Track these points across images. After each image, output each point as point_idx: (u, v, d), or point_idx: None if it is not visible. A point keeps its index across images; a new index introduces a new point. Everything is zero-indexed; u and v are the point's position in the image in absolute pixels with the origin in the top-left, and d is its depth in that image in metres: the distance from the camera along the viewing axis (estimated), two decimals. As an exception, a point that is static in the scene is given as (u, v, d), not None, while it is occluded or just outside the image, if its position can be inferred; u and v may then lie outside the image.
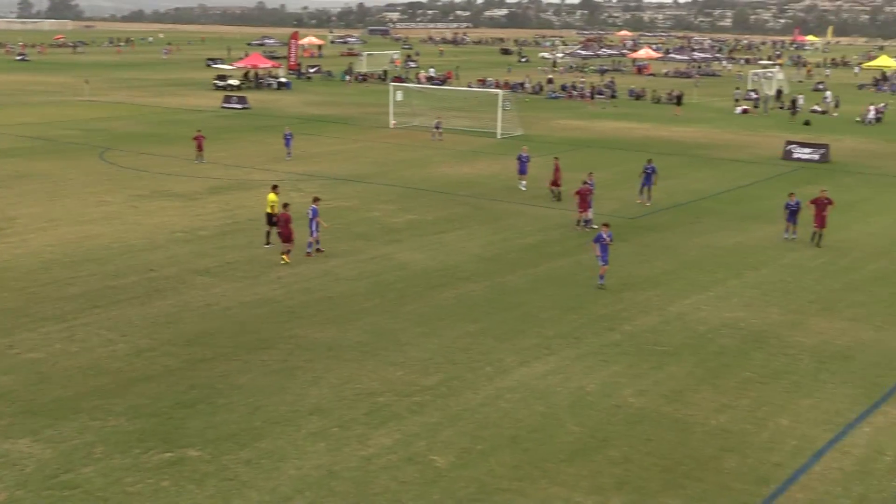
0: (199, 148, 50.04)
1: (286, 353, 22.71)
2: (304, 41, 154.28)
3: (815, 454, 18.04)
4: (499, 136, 62.43)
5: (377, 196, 41.71)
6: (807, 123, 72.82)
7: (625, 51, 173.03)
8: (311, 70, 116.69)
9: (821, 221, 33.85)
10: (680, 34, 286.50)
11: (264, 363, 22.01)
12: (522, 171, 43.56)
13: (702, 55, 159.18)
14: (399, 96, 70.67)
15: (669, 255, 32.50)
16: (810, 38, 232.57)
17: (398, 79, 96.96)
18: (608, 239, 28.24)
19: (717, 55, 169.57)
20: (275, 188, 33.13)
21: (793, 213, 34.39)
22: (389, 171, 48.79)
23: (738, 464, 17.61)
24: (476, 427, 18.91)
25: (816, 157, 54.72)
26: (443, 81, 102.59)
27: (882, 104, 78.81)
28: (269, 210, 32.34)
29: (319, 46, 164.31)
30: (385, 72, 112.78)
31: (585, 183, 36.65)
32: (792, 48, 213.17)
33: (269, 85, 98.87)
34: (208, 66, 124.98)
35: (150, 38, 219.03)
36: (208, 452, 17.52)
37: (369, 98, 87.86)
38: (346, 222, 36.16)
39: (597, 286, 28.40)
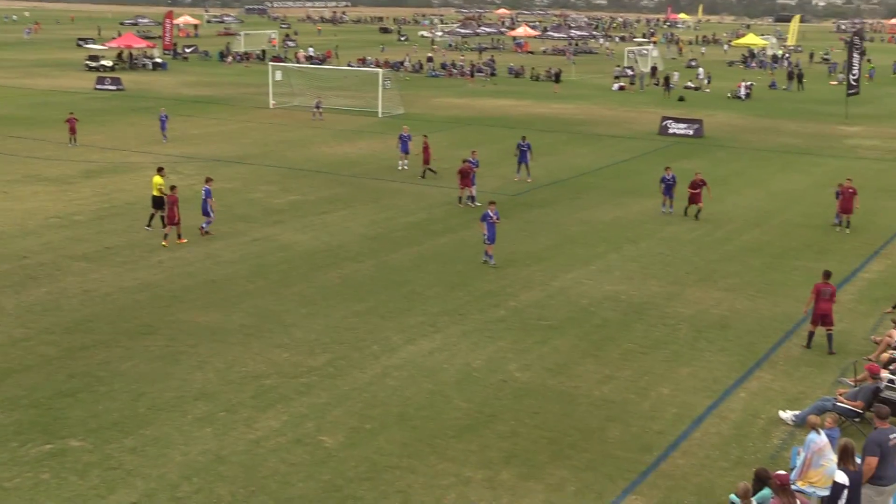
0: (73, 131, 48.58)
1: (169, 338, 22.32)
2: (180, 20, 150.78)
3: (695, 421, 18.59)
4: (380, 115, 62.28)
5: (258, 177, 41.20)
6: (681, 99, 74.56)
7: (503, 29, 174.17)
8: (188, 50, 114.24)
9: (695, 199, 34.80)
10: (557, 12, 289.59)
11: (147, 349, 21.59)
12: (404, 151, 43.54)
13: (579, 33, 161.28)
14: (278, 76, 69.80)
15: (551, 231, 32.96)
16: (682, 16, 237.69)
17: (277, 58, 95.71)
18: (495, 217, 28.46)
19: (594, 33, 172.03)
20: (160, 170, 32.45)
21: (668, 187, 35.18)
22: (270, 151, 48.24)
23: (622, 433, 18.03)
24: (364, 406, 18.93)
25: (691, 132, 56.11)
26: (322, 61, 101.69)
27: (749, 82, 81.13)
28: (155, 193, 31.70)
29: (195, 26, 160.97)
30: (263, 51, 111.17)
31: (467, 161, 36.88)
32: (665, 26, 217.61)
33: (145, 65, 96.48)
34: (79, 46, 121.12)
35: (14, 17, 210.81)
36: (91, 442, 17.13)
37: (248, 78, 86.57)
38: (227, 204, 35.61)
39: (483, 263, 28.61)
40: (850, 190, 33.21)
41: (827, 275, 22.76)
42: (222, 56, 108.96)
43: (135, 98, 70.63)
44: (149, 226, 31.77)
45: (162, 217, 30.71)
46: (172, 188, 30.68)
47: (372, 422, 18.26)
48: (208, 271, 27.65)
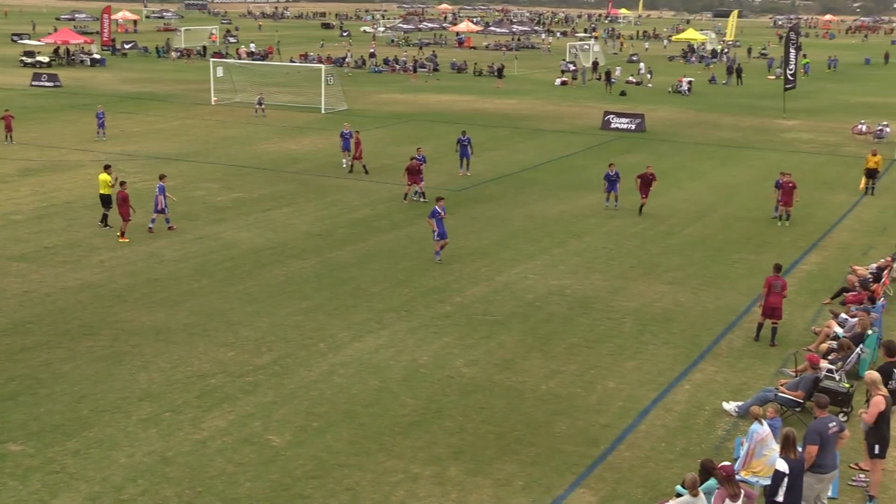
0: (8, 128, 47.78)
1: (112, 338, 22.04)
2: (118, 16, 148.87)
3: (641, 413, 18.77)
4: (323, 112, 62.00)
5: (201, 175, 40.82)
6: (623, 94, 75.15)
7: (446, 24, 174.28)
8: (127, 46, 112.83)
9: (647, 194, 34.90)
10: (499, 7, 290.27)
11: (89, 350, 21.30)
12: (345, 148, 43.24)
13: (521, 28, 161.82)
14: (220, 72, 69.22)
15: (496, 226, 33.06)
16: (623, 11, 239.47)
17: (218, 54, 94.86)
18: (443, 213, 28.50)
19: (536, 28, 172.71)
20: (107, 168, 32.14)
21: (612, 183, 35.42)
22: (212, 148, 47.81)
23: (569, 427, 18.15)
24: (311, 404, 18.85)
25: (633, 126, 56.60)
26: (264, 57, 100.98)
27: (689, 78, 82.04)
28: (103, 191, 31.42)
29: (135, 21, 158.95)
30: (204, 47, 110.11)
31: (414, 158, 36.84)
32: (606, 21, 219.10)
33: (83, 62, 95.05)
34: (13, 41, 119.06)
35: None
36: (32, 446, 16.86)
37: (189, 74, 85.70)
38: (169, 202, 35.19)
39: (434, 261, 28.57)
40: (790, 184, 33.69)
41: (777, 268, 23.11)
42: (163, 52, 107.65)
43: (72, 95, 69.59)
44: (106, 225, 31.61)
45: (119, 213, 30.74)
46: (122, 184, 30.48)
47: (319, 420, 18.20)
48: (151, 270, 27.35)
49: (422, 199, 36.12)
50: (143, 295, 25.18)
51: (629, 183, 35.48)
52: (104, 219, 31.55)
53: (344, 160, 43.21)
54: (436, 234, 28.46)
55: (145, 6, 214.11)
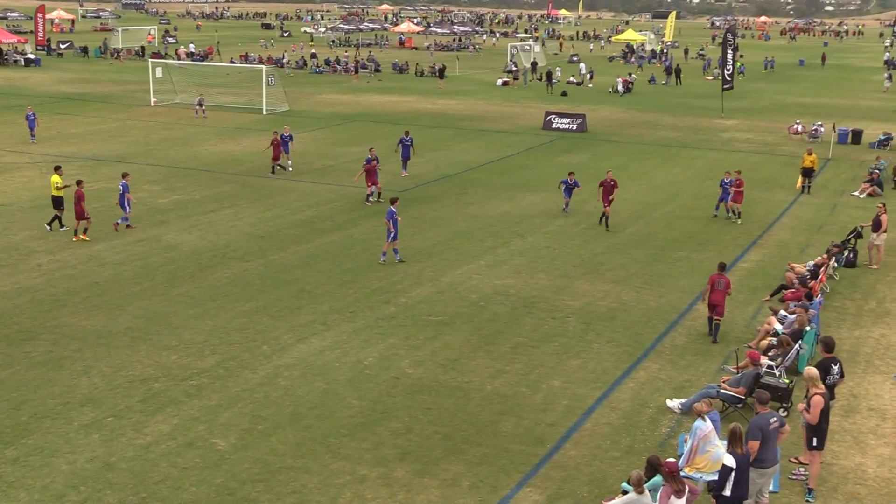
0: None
1: (51, 343, 21.70)
2: (53, 15, 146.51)
3: (586, 412, 18.90)
4: (264, 113, 61.55)
5: (141, 176, 40.28)
6: (564, 94, 75.57)
7: (387, 25, 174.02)
8: (63, 46, 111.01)
9: (609, 203, 33.27)
10: (440, 7, 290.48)
11: (28, 355, 20.93)
12: (285, 151, 42.78)
13: (462, 29, 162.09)
14: (159, 73, 68.38)
15: (440, 227, 33.10)
16: (563, 12, 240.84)
17: (157, 55, 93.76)
18: (396, 214, 28.48)
19: (477, 28, 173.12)
20: (57, 169, 31.81)
21: (569, 190, 34.88)
22: (152, 150, 47.25)
23: (515, 426, 18.22)
24: (256, 407, 18.73)
25: (574, 126, 56.92)
26: (204, 57, 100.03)
27: (632, 76, 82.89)
28: (54, 193, 31.13)
29: (72, 21, 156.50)
30: (143, 48, 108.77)
31: (368, 160, 36.57)
32: (547, 22, 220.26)
33: (16, 62, 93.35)
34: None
35: None
36: (-29, 453, 16.56)
37: (127, 75, 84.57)
38: (109, 204, 34.75)
39: (380, 262, 28.49)
40: (738, 182, 34.32)
41: (721, 267, 23.53)
42: (101, 52, 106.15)
43: (6, 96, 68.30)
44: (62, 226, 31.29)
45: (59, 217, 30.86)
46: (79, 182, 30.41)
47: (264, 422, 18.08)
48: (92, 273, 26.97)
49: (379, 200, 35.99)
50: (83, 299, 24.82)
51: (590, 189, 35.36)
52: (55, 220, 31.21)
53: (287, 163, 42.75)
54: (391, 235, 28.37)
55: (81, 5, 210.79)
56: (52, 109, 58.26)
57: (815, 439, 15.84)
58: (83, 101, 65.84)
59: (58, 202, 31.07)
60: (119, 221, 31.52)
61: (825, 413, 15.68)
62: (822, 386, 15.99)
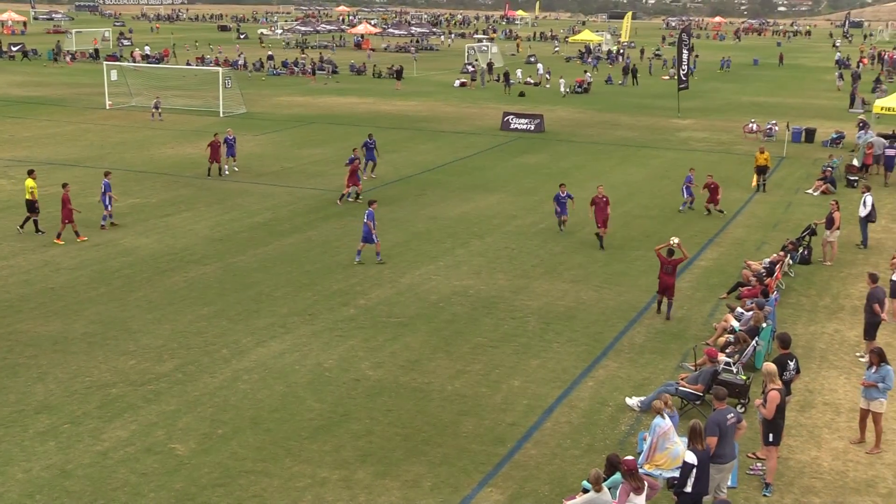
0: None
1: (6, 350, 21.43)
2: (4, 17, 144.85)
3: (546, 411, 18.98)
4: (221, 115, 61.16)
5: (97, 180, 39.76)
6: (521, 95, 75.79)
7: (344, 26, 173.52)
8: (14, 48, 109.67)
9: (604, 222, 31.43)
10: (397, 9, 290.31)
11: (-18, 362, 20.68)
12: (231, 154, 42.42)
13: (419, 30, 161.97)
14: (114, 76, 67.75)
15: (398, 228, 33.08)
16: (520, 12, 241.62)
17: (112, 57, 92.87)
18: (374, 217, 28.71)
19: (434, 29, 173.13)
20: (31, 173, 31.73)
21: (563, 205, 33.30)
22: (108, 153, 46.80)
23: (476, 426, 18.26)
24: (216, 411, 18.62)
25: (532, 127, 57.10)
26: (159, 60, 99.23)
27: (586, 73, 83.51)
28: (28, 196, 31.04)
29: (24, 23, 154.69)
30: (96, 50, 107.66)
31: (354, 160, 36.99)
32: (504, 22, 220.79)
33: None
34: None
35: None
36: (-76, 462, 16.32)
37: (81, 78, 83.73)
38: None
39: (355, 261, 28.54)
40: (713, 184, 35.46)
41: (670, 252, 24.39)
42: (54, 55, 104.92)
43: (-40, 100, 67.40)
44: (37, 230, 31.32)
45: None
46: (65, 185, 30.63)
47: (224, 427, 17.98)
48: (47, 279, 26.67)
49: (357, 200, 36.29)
50: (38, 304, 24.54)
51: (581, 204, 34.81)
52: (28, 221, 31.36)
53: (227, 166, 42.45)
54: (373, 236, 28.57)
55: (33, 7, 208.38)
56: (3, 113, 57.53)
57: (771, 434, 16.03)
58: (36, 105, 65.07)
59: (31, 206, 31.05)
60: (103, 222, 32.19)
61: (781, 409, 15.87)
62: (779, 382, 16.18)
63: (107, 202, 32.07)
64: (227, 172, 42.10)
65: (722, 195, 36.40)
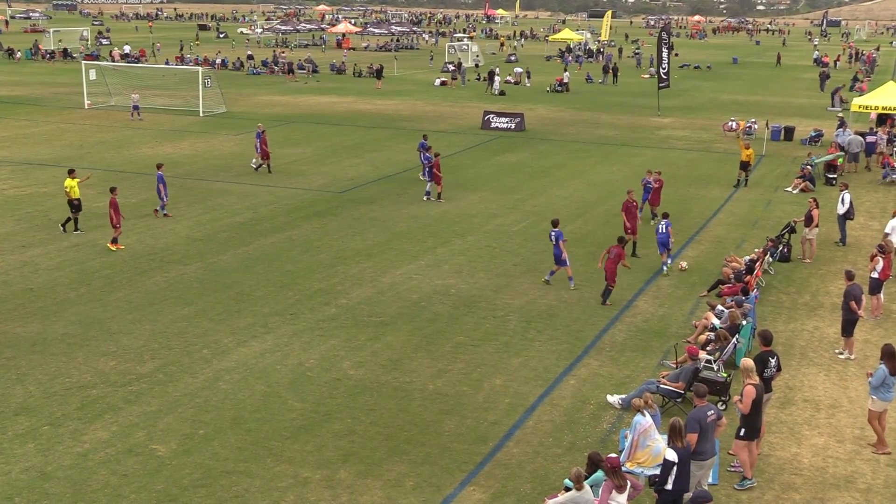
0: None
1: (-15, 351, 21.32)
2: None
3: (528, 409, 19.01)
4: (201, 115, 60.97)
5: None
6: (502, 94, 75.83)
7: (324, 25, 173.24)
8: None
9: (634, 228, 30.24)
10: (377, 8, 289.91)
11: (-39, 364, 20.54)
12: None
13: (400, 29, 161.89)
14: (92, 75, 67.39)
15: (379, 227, 33.05)
16: (501, 11, 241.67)
17: (90, 56, 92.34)
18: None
19: (415, 29, 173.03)
20: (71, 172, 31.72)
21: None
22: (87, 153, 46.55)
23: (458, 425, 18.27)
24: (197, 412, 18.56)
25: (512, 125, 57.15)
26: (138, 59, 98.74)
27: (565, 71, 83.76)
28: (69, 196, 31.23)
29: (6, 22, 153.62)
30: (65, 49, 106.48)
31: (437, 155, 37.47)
32: (484, 21, 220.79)
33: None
34: None
35: None
36: None
37: (59, 77, 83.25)
38: (42, 209, 34.28)
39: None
40: (658, 182, 34.55)
41: (620, 240, 25.80)
42: (32, 54, 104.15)
43: (-63, 100, 66.91)
44: (76, 229, 31.56)
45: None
46: (112, 190, 30.37)
47: (205, 427, 17.93)
48: (25, 280, 26.52)
49: (440, 200, 37.28)
50: (16, 305, 24.40)
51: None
52: (70, 221, 31.52)
53: (254, 160, 43.08)
54: (564, 257, 26.83)
55: (9, 6, 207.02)
56: (-18, 113, 57.16)
57: (742, 429, 16.08)
58: (13, 104, 64.63)
59: (73, 205, 31.33)
60: (157, 209, 33.71)
61: (756, 404, 15.91)
62: (756, 377, 16.24)
63: (162, 193, 33.31)
64: (253, 166, 42.64)
65: (696, 194, 36.44)
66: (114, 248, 29.47)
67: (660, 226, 28.55)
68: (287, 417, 18.44)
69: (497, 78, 77.44)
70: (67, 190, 31.24)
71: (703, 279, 27.73)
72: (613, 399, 19.33)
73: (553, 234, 26.75)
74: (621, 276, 27.69)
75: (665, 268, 28.56)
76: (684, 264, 28.36)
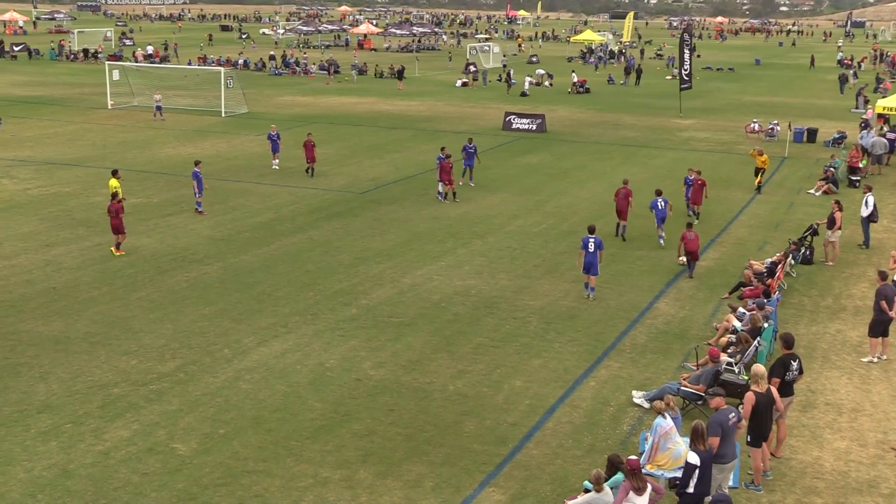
0: None
1: (8, 349, 21.44)
2: (6, 17, 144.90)
3: (548, 411, 18.97)
4: (223, 115, 61.20)
5: (99, 180, 39.88)
6: (524, 94, 75.77)
7: (346, 26, 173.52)
8: (17, 48, 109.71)
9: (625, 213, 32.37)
10: (399, 9, 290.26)
11: (-16, 362, 20.69)
12: (275, 150, 43.19)
13: (421, 30, 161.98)
14: (116, 75, 67.78)
15: (400, 228, 33.07)
16: (522, 12, 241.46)
17: (114, 57, 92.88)
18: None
19: (437, 29, 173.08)
20: (115, 173, 31.94)
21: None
22: (110, 153, 46.81)
23: (477, 426, 18.25)
24: (217, 411, 18.62)
25: (534, 127, 57.08)
26: (161, 59, 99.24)
27: (573, 73, 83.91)
28: (114, 196, 30.99)
29: (34, 23, 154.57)
30: (86, 50, 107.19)
31: (444, 159, 37.32)
32: (506, 22, 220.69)
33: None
34: None
35: None
36: (-74, 462, 16.33)
37: (83, 78, 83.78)
38: (66, 209, 34.49)
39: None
40: (699, 181, 34.55)
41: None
42: (56, 55, 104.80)
43: (-38, 99, 67.45)
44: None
45: (111, 225, 30.56)
46: (119, 197, 30.13)
47: (226, 426, 17.98)
48: (49, 278, 26.69)
49: (455, 201, 37.17)
50: (40, 304, 24.55)
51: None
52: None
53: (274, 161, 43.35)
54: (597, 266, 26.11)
55: (35, 7, 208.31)
56: (6, 113, 57.53)
57: (749, 436, 16.00)
58: (38, 105, 65.10)
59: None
60: (197, 206, 34.43)
61: (759, 413, 15.76)
62: (764, 384, 16.00)
63: (196, 190, 33.97)
64: (274, 167, 42.97)
65: (718, 196, 36.29)
66: (118, 253, 29.41)
67: (658, 202, 31.66)
68: (307, 417, 18.47)
69: (513, 81, 77.53)
70: (116, 191, 30.99)
71: (724, 281, 27.60)
72: (638, 396, 19.28)
73: (593, 241, 25.60)
74: (641, 277, 27.64)
75: (661, 241, 31.52)
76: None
